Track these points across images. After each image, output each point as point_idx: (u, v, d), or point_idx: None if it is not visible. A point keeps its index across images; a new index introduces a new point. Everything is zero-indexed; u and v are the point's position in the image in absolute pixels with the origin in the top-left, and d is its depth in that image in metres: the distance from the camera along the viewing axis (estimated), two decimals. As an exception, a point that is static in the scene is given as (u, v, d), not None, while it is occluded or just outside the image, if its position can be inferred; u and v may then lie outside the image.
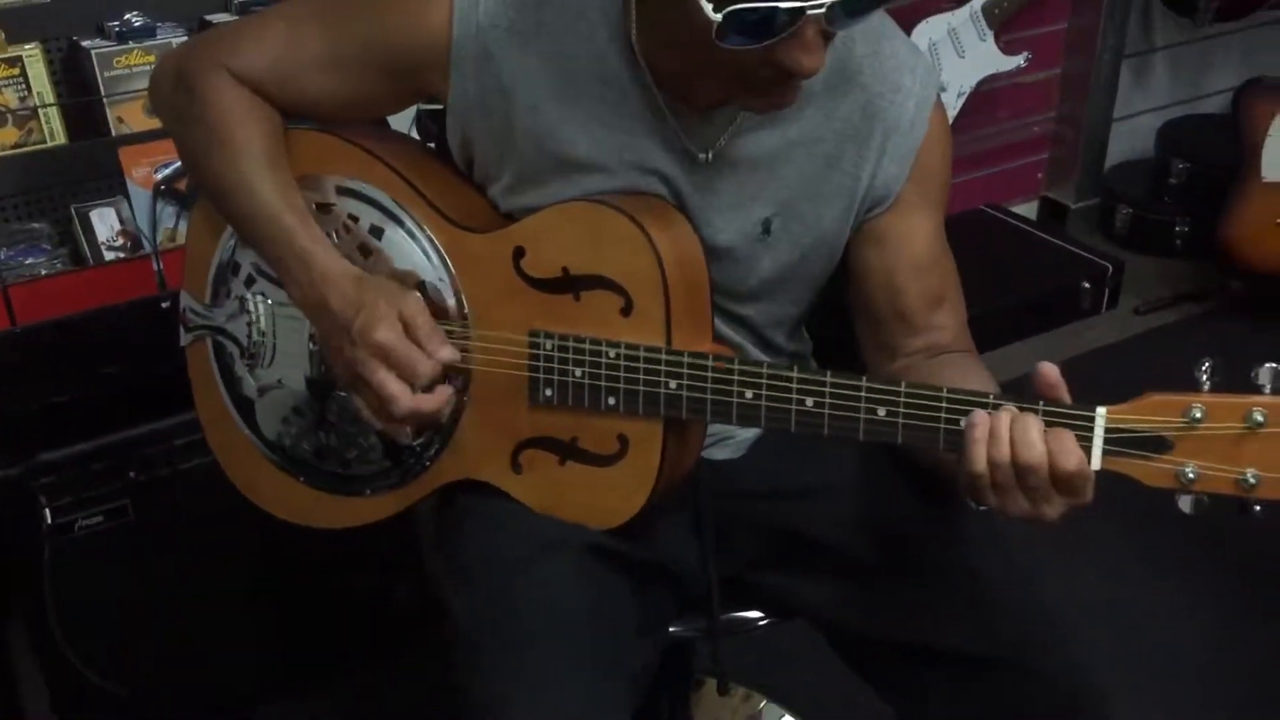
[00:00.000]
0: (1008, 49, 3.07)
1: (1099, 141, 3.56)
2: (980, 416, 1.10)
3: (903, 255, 1.34)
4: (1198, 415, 1.05)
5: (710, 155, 1.28)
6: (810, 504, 1.39)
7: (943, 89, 3.01)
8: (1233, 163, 3.08)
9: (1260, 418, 1.04)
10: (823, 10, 1.06)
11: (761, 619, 1.49)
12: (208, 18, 2.09)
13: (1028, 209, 3.57)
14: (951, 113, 3.08)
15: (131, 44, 2.00)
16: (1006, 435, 1.09)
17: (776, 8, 1.04)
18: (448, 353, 1.26)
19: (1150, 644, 2.28)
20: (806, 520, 1.39)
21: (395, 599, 2.07)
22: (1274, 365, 1.05)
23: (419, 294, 1.29)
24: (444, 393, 1.27)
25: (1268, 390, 1.05)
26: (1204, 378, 1.07)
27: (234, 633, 2.01)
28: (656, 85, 1.26)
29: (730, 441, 1.45)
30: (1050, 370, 1.11)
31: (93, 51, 1.98)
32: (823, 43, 1.10)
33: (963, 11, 3.01)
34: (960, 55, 3.04)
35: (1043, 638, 1.30)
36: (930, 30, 3.01)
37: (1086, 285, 3.15)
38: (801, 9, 1.05)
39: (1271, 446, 1.04)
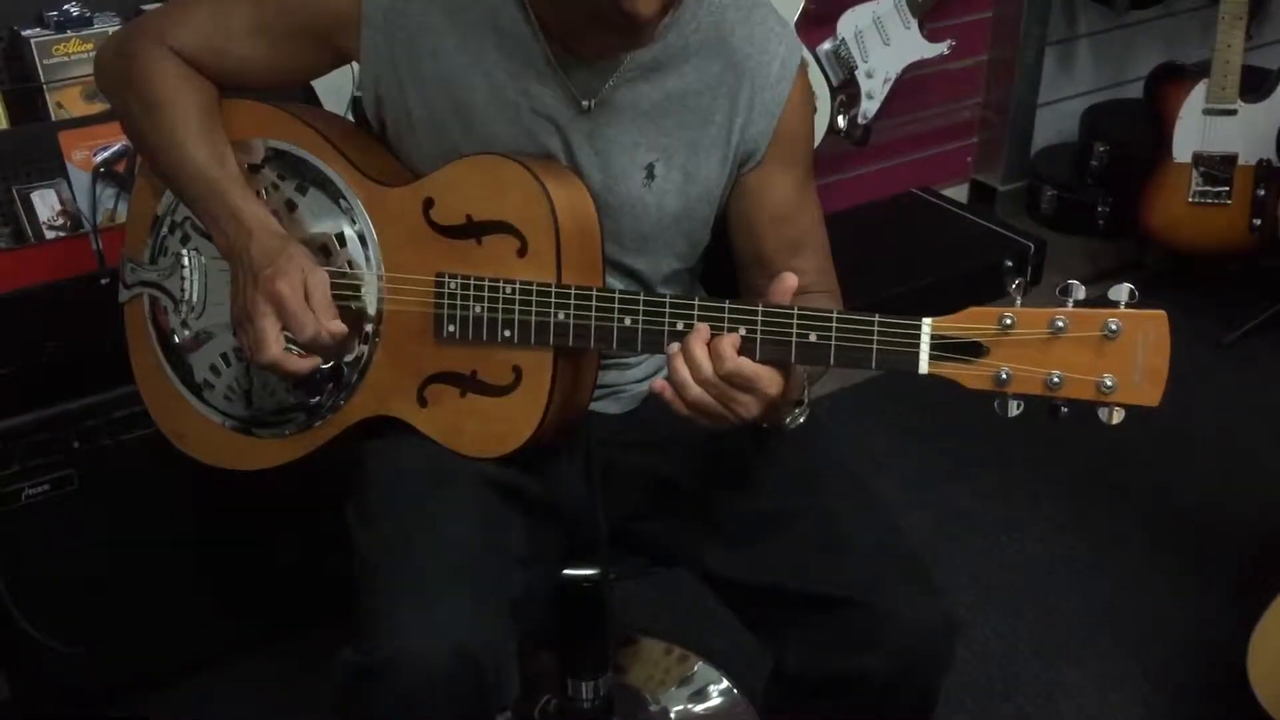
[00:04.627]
0: (932, 36, 3.15)
1: (1025, 126, 3.66)
2: (674, 346, 1.26)
3: (762, 206, 1.47)
4: (1008, 322, 1.17)
5: (593, 103, 1.38)
6: (685, 456, 1.49)
7: (869, 75, 3.12)
8: (1150, 145, 3.18)
9: (1061, 324, 1.15)
10: None
11: (645, 564, 1.58)
12: (144, 7, 2.16)
13: (957, 192, 3.67)
14: (878, 98, 3.17)
15: (70, 33, 2.06)
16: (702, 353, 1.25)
17: None
18: (335, 326, 1.36)
19: (1011, 570, 2.41)
20: (681, 473, 1.49)
21: (333, 560, 2.14)
22: (1075, 281, 1.17)
23: (326, 275, 1.39)
24: (310, 361, 1.38)
25: (1071, 303, 1.16)
26: (1016, 294, 1.18)
27: (180, 596, 2.06)
28: (546, 36, 1.36)
29: (623, 395, 1.55)
30: (787, 280, 1.27)
31: (32, 40, 2.03)
32: None
33: (887, 1, 3.10)
34: (886, 43, 3.12)
35: (894, 573, 1.38)
36: (856, 19, 3.07)
37: (1009, 264, 3.25)
38: None
39: (1073, 350, 1.16)
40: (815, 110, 1.47)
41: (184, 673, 2.12)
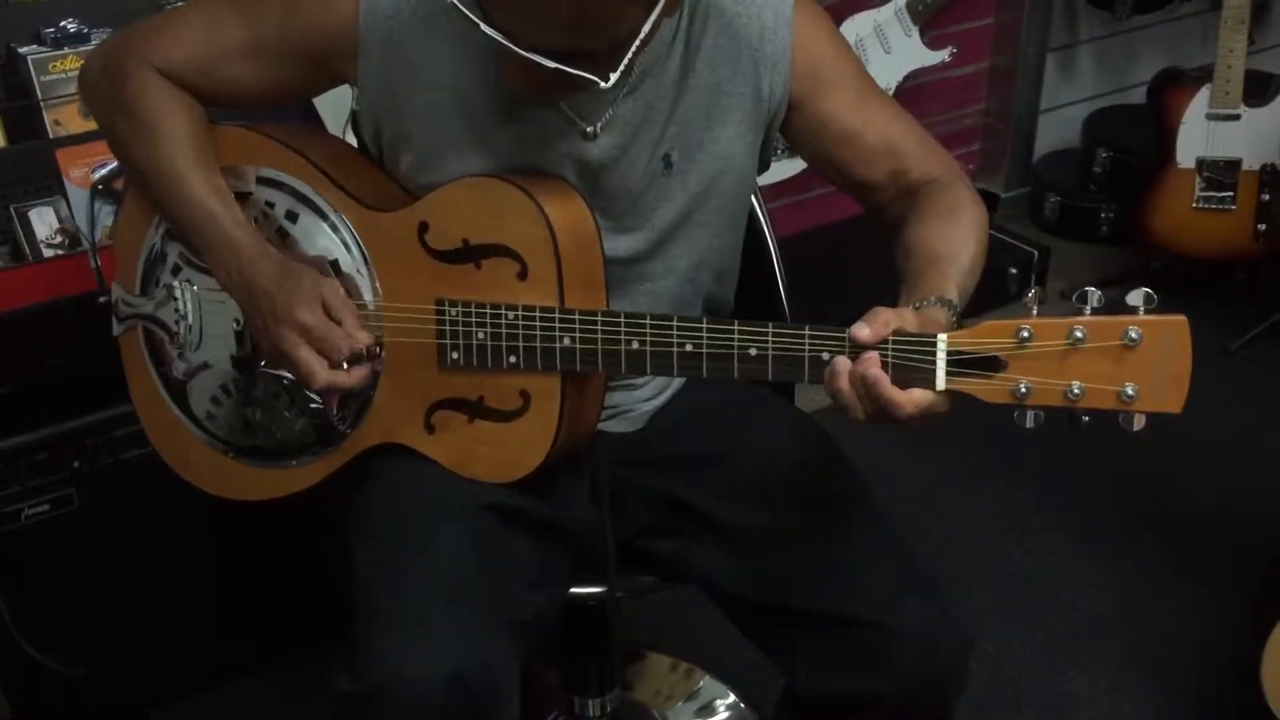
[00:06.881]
0: (933, 44, 3.15)
1: (1027, 133, 3.66)
2: (842, 363, 1.19)
3: (827, 137, 1.42)
4: (1026, 335, 1.13)
5: (598, 128, 1.35)
6: (696, 474, 1.48)
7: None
8: (1153, 151, 3.16)
9: (1080, 334, 1.11)
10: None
11: (654, 583, 1.57)
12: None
13: (960, 199, 3.66)
14: (880, 107, 3.16)
15: (66, 49, 2.05)
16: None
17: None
18: (364, 336, 1.35)
19: (1019, 580, 2.41)
20: (692, 490, 1.47)
21: (334, 580, 2.13)
22: (1091, 288, 1.13)
23: (338, 281, 1.37)
24: (360, 371, 1.36)
25: (1088, 311, 1.12)
26: (1033, 305, 1.15)
27: (181, 615, 2.06)
28: None
29: (630, 415, 1.53)
30: (861, 330, 1.19)
31: (29, 57, 2.03)
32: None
33: (887, 8, 3.09)
34: (886, 51, 3.12)
35: (906, 592, 1.37)
36: (856, 27, 3.08)
37: (1013, 271, 3.25)
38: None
39: (1092, 360, 1.12)
40: (833, 28, 1.42)
41: (184, 692, 2.11)
